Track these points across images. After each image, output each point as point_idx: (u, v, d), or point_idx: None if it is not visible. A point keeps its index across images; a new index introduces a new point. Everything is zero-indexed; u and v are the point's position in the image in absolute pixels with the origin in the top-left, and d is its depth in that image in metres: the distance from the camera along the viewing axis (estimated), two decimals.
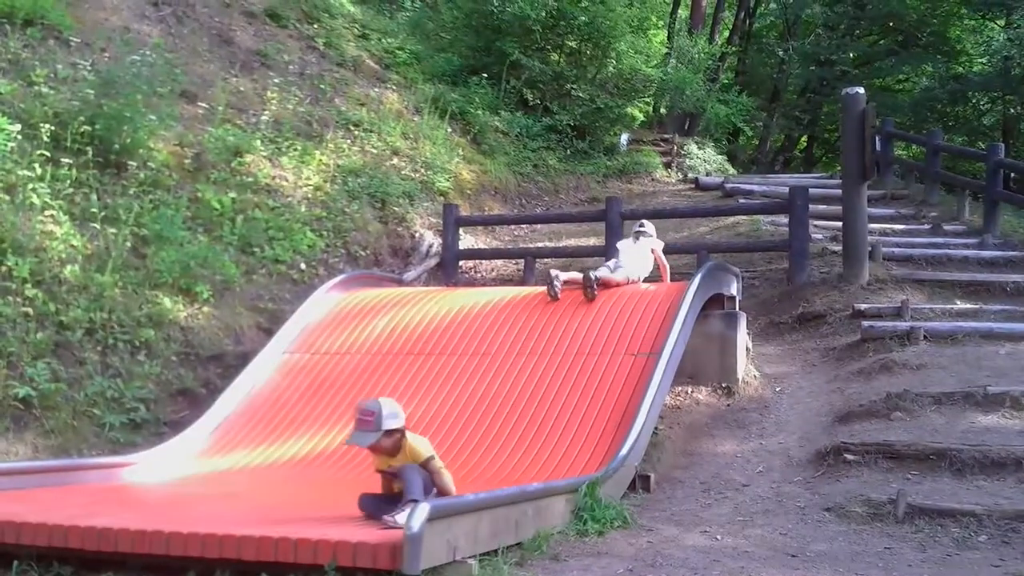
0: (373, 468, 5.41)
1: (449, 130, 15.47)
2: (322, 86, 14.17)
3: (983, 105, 24.18)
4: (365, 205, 12.44)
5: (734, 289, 9.52)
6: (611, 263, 9.28)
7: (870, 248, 11.16)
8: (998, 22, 24.25)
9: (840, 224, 11.45)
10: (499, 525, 5.18)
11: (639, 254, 9.39)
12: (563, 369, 7.83)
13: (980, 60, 24.48)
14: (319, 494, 6.42)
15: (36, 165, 9.09)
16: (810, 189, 11.85)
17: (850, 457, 7.07)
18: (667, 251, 12.41)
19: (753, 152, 28.43)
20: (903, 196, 15.99)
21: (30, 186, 8.92)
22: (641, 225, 9.81)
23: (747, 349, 9.36)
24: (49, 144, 9.32)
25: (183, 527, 4.80)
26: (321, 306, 9.35)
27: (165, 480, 7.04)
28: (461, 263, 12.57)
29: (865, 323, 9.62)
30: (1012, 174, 17.50)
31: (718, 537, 5.91)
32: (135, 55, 10.70)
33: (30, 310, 8.19)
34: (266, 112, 12.55)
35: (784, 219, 11.92)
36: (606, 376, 7.64)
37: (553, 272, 8.81)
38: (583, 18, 17.85)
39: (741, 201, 15.51)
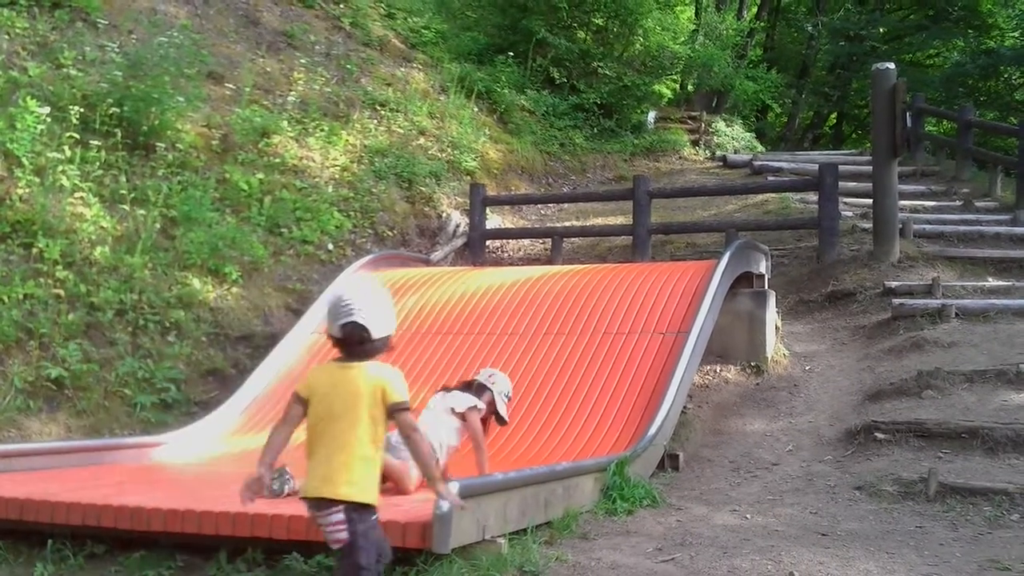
0: None
1: (475, 109, 15.43)
2: (348, 66, 14.16)
3: (1015, 80, 23.82)
4: (392, 185, 12.44)
5: (763, 267, 9.46)
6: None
7: (900, 225, 11.06)
8: None
9: (870, 201, 11.34)
10: (528, 504, 5.19)
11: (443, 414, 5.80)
12: (591, 348, 7.82)
13: (1012, 34, 24.09)
14: None
15: (65, 147, 9.15)
16: (840, 166, 11.73)
17: (881, 436, 7.03)
18: (695, 230, 12.45)
19: (782, 129, 28.19)
20: (934, 172, 15.83)
21: (60, 168, 8.98)
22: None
23: (776, 328, 9.31)
24: (78, 126, 9.37)
25: (214, 506, 4.84)
26: None
27: (196, 459, 7.10)
28: (488, 243, 12.55)
29: (896, 301, 9.54)
30: None
31: (748, 516, 5.89)
32: (162, 36, 10.73)
33: (61, 291, 8.26)
34: (293, 93, 12.56)
35: (813, 196, 11.82)
36: (634, 355, 7.62)
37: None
38: None
39: (770, 179, 15.40)
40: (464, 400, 5.81)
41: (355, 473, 3.56)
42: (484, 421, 5.86)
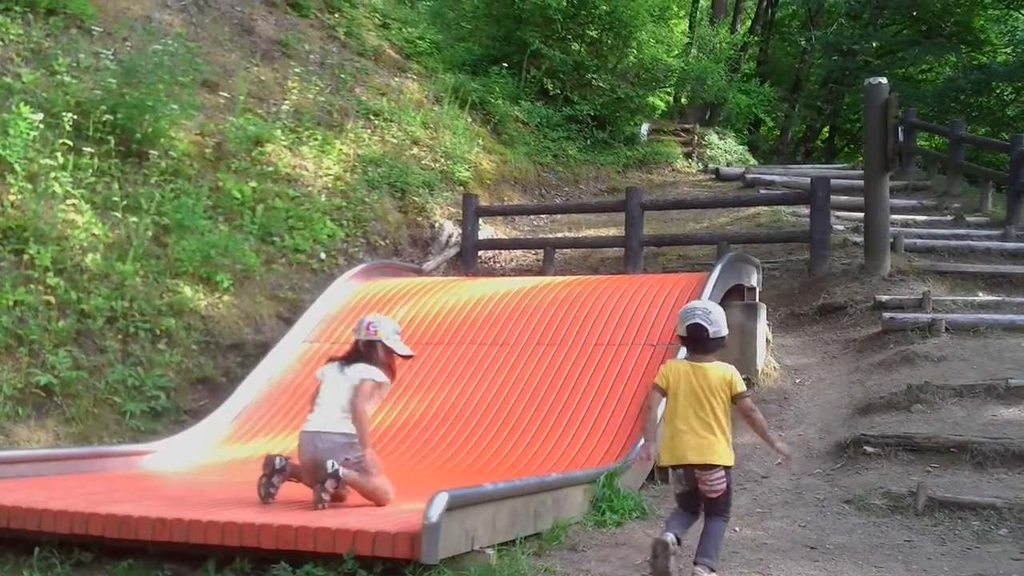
0: None
1: (469, 120, 15.44)
2: (342, 75, 14.17)
3: (1007, 95, 23.92)
4: (385, 195, 12.45)
5: (754, 280, 9.48)
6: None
7: (892, 239, 11.09)
8: (1022, 11, 24.00)
9: (862, 215, 11.37)
10: (518, 515, 5.19)
11: (343, 392, 5.55)
12: (582, 359, 7.83)
13: (1004, 50, 24.21)
14: None
15: (58, 154, 9.14)
16: (832, 180, 11.77)
17: (870, 449, 7.04)
18: (687, 242, 12.48)
19: (774, 142, 28.25)
20: (925, 187, 15.87)
21: (52, 175, 8.97)
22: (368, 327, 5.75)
23: (767, 340, 9.33)
24: (71, 133, 9.36)
25: (203, 515, 4.83)
26: (340, 296, 9.37)
27: (185, 468, 7.09)
28: (480, 253, 12.55)
29: (886, 315, 9.55)
30: None
31: (737, 529, 5.90)
32: (157, 44, 10.73)
33: (52, 298, 8.24)
34: (287, 101, 12.56)
35: (805, 210, 11.85)
36: (625, 366, 7.63)
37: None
38: (604, 7, 17.76)
39: (762, 192, 15.42)
40: (357, 372, 5.51)
41: (724, 444, 4.81)
42: (390, 367, 5.63)
